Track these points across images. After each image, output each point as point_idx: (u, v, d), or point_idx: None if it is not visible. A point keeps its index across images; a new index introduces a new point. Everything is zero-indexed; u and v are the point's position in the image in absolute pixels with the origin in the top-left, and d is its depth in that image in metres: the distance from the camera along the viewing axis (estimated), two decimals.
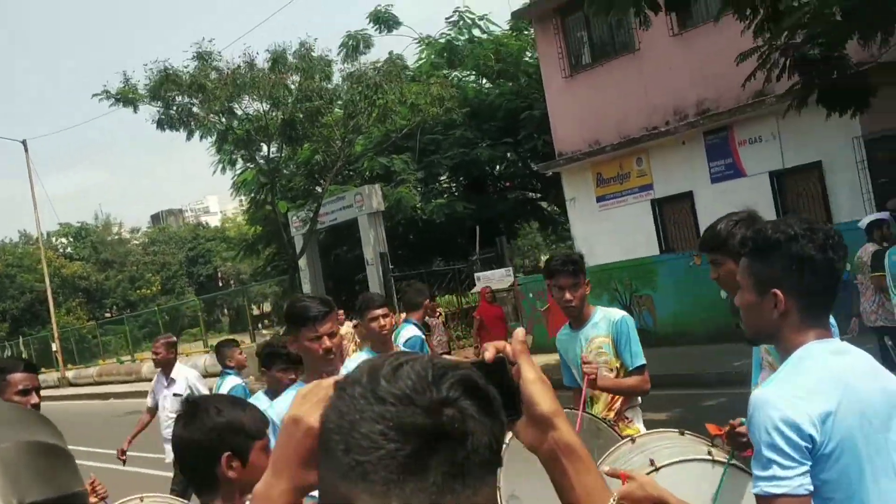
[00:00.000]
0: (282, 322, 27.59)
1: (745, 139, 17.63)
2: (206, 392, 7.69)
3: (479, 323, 15.27)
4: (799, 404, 2.16)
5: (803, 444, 2.13)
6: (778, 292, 2.30)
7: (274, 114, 23.41)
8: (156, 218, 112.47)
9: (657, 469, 3.31)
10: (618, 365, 4.68)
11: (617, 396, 4.66)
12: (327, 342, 3.69)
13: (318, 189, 25.62)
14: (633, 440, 3.52)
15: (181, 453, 2.50)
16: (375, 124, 24.83)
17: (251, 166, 27.52)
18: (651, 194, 19.54)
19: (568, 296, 4.71)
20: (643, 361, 4.69)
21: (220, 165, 27.93)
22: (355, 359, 5.96)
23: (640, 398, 4.79)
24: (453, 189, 28.30)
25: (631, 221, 19.47)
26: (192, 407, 2.52)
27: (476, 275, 16.58)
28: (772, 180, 17.33)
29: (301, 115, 22.94)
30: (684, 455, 3.36)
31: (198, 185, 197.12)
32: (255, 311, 54.29)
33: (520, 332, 1.32)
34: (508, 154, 26.67)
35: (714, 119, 17.77)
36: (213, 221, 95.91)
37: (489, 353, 1.25)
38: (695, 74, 17.98)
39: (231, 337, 10.15)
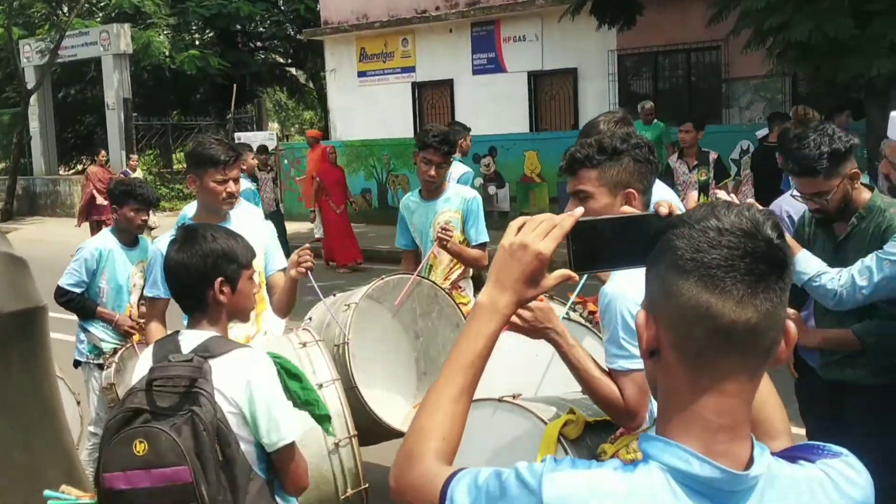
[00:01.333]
0: (7, 155, 25.55)
1: (510, 36, 18.32)
2: None
3: (319, 185, 13.89)
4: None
5: None
6: (633, 191, 2.63)
7: None
8: None
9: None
10: (461, 239, 4.99)
11: (454, 268, 4.99)
12: (232, 186, 3.84)
13: (59, 18, 23.57)
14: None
15: (175, 275, 2.55)
16: None
17: None
18: (413, 77, 19.88)
19: (433, 172, 4.93)
20: (487, 239, 5.03)
21: None
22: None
23: (471, 271, 5.16)
24: (205, 41, 27.08)
25: (390, 101, 19.75)
26: (189, 232, 2.56)
27: (237, 135, 16.22)
28: (529, 80, 18.22)
29: None
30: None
31: None
32: None
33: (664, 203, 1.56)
34: (268, 13, 25.85)
35: (484, 12, 18.28)
36: None
37: (664, 209, 1.49)
38: None
39: None
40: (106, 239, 5.18)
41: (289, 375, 2.55)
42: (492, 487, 1.30)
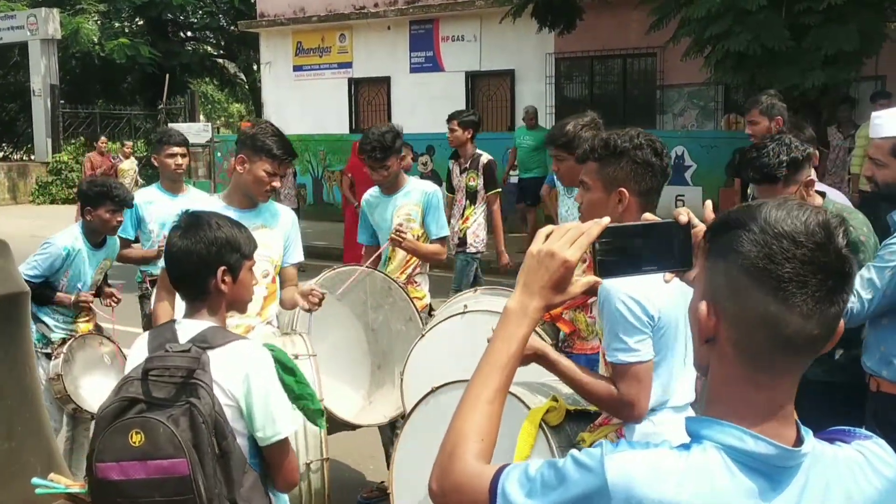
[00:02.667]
0: None
1: (449, 36, 18.38)
2: None
3: (351, 182, 12.87)
4: (639, 289, 2.64)
5: (647, 320, 2.63)
6: (624, 190, 2.75)
7: None
8: None
9: (465, 313, 3.91)
10: (420, 233, 5.02)
11: (410, 262, 5.01)
12: (277, 182, 3.96)
13: None
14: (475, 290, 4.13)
15: (177, 261, 2.50)
16: None
17: None
18: (349, 73, 19.79)
19: (376, 177, 4.97)
20: (447, 233, 5.08)
21: None
22: (143, 193, 5.90)
23: (428, 266, 5.19)
24: (135, 29, 26.55)
25: (325, 96, 19.62)
26: (194, 219, 2.53)
27: (169, 125, 15.94)
28: (467, 80, 18.30)
29: None
30: (488, 307, 3.93)
31: None
32: None
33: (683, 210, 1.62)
34: (202, 3, 25.47)
35: (423, 10, 18.30)
36: None
37: (684, 217, 1.55)
38: None
39: None
40: (76, 238, 5.05)
41: (283, 369, 2.55)
42: (547, 477, 1.35)
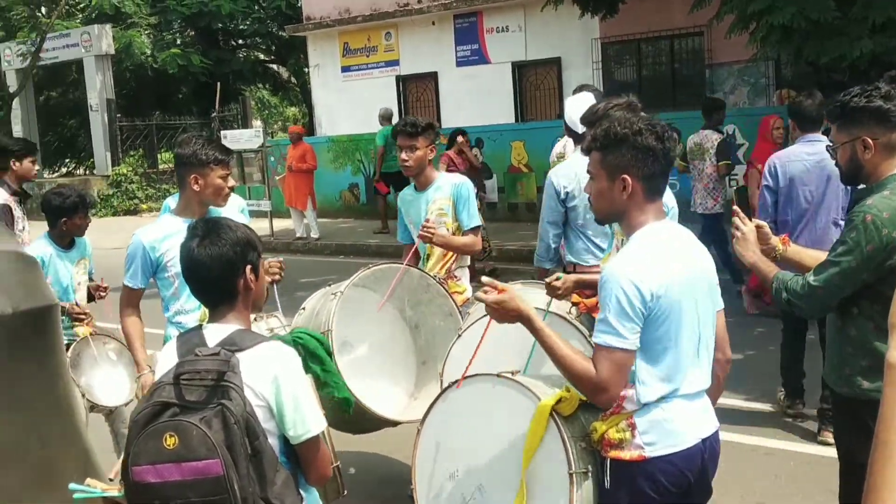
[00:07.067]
0: None
1: (493, 27, 18.37)
2: None
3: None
4: (641, 276, 2.66)
5: (641, 308, 2.64)
6: (627, 177, 2.77)
7: None
8: None
9: None
10: (455, 226, 5.06)
11: (449, 256, 5.05)
12: (232, 181, 4.19)
13: (40, 20, 23.39)
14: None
15: (205, 268, 2.54)
16: None
17: None
18: (397, 70, 19.91)
19: (404, 156, 5.02)
20: (479, 223, 5.10)
21: None
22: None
23: (468, 259, 5.22)
24: (186, 40, 26.96)
25: (374, 95, 19.72)
26: (212, 225, 2.59)
27: (223, 133, 16.17)
28: (514, 70, 18.28)
29: None
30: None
31: None
32: None
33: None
34: (250, 10, 25.75)
35: (466, 4, 18.31)
36: None
37: None
38: None
39: None
40: (44, 247, 5.38)
41: (311, 358, 2.60)
42: None
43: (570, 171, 4.70)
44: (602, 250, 4.67)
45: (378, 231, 15.73)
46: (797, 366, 6.19)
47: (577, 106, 4.82)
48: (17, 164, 6.69)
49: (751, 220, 3.47)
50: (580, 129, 4.63)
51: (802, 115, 6.08)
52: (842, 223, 5.48)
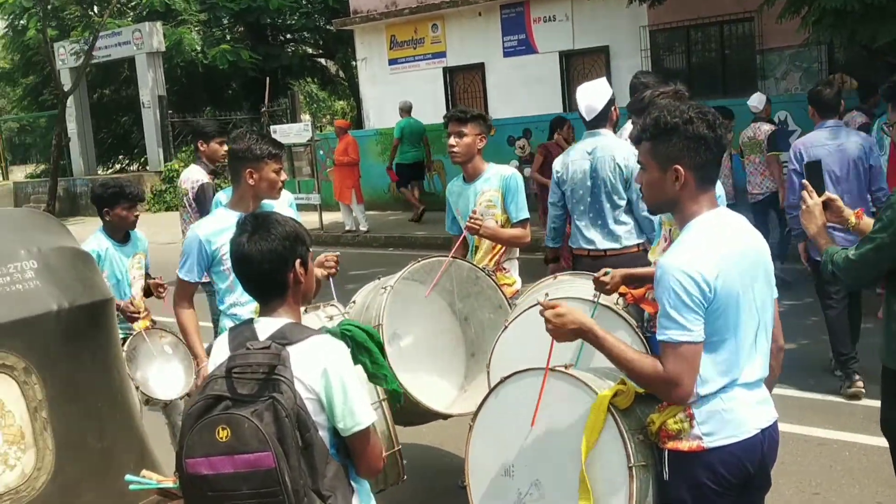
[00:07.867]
0: (47, 157, 25.75)
1: (540, 17, 18.27)
2: None
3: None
4: (697, 266, 2.61)
5: (701, 299, 2.60)
6: (679, 167, 2.71)
7: None
8: None
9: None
10: (503, 219, 5.06)
11: (498, 248, 5.05)
12: (284, 175, 4.31)
13: (93, 19, 23.77)
14: (554, 277, 4.35)
15: (256, 263, 2.56)
16: None
17: None
18: (444, 62, 19.90)
19: (452, 141, 5.03)
20: (527, 215, 5.08)
21: None
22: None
23: (517, 251, 5.22)
24: (235, 35, 27.20)
25: (422, 87, 19.76)
26: (262, 220, 2.62)
27: (272, 127, 16.30)
28: (561, 59, 18.17)
29: None
30: (570, 294, 3.91)
31: None
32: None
33: None
34: (298, 5, 25.91)
35: None
36: None
37: None
38: None
39: None
40: (100, 241, 5.43)
41: (359, 349, 2.62)
42: None
43: (567, 157, 5.35)
44: (589, 242, 5.26)
45: (413, 219, 16.25)
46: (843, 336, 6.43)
47: (586, 93, 5.27)
48: (205, 145, 6.86)
49: (820, 195, 3.58)
50: (588, 116, 5.19)
51: (821, 103, 6.33)
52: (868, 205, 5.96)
